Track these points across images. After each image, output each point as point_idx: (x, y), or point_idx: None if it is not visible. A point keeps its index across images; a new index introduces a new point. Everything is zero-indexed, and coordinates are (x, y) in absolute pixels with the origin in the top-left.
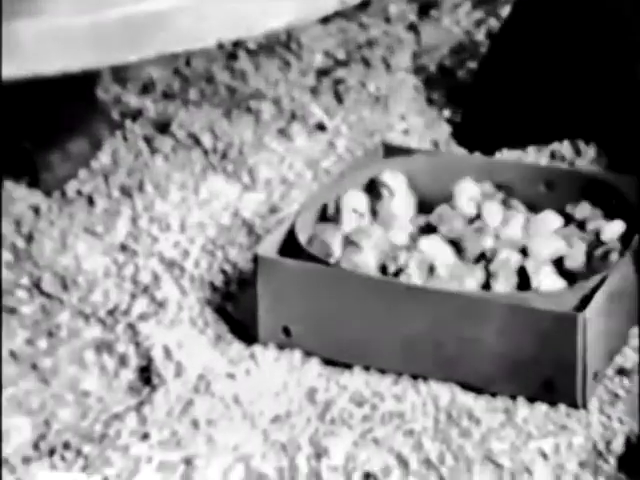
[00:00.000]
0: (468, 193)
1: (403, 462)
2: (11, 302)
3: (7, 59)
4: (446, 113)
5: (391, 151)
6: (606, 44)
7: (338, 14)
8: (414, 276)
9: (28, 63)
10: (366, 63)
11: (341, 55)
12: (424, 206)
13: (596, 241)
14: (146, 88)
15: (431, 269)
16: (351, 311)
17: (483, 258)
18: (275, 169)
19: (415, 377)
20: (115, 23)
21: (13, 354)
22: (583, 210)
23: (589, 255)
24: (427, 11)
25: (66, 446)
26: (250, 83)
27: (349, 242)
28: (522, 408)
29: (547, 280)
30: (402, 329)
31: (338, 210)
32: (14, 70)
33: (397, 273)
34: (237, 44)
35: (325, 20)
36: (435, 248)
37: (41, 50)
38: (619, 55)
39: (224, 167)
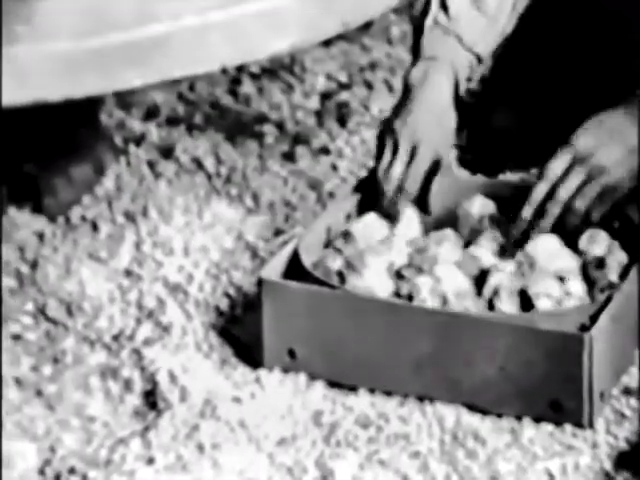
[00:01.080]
0: (476, 211)
1: None
2: (16, 328)
3: (8, 85)
4: None
5: None
6: (610, 65)
7: (340, 36)
8: (427, 302)
9: (30, 89)
10: (368, 85)
11: (343, 78)
12: (428, 226)
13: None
14: (150, 113)
15: (444, 298)
16: (356, 333)
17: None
18: (278, 192)
19: (421, 398)
20: (118, 48)
21: (18, 380)
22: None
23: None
24: None
25: (72, 471)
26: (254, 107)
27: (352, 265)
28: (528, 428)
29: (551, 301)
30: (408, 350)
31: (346, 234)
32: (16, 96)
33: (409, 296)
34: (240, 68)
35: (327, 43)
36: (449, 275)
37: (43, 75)
38: (624, 78)
39: (227, 191)
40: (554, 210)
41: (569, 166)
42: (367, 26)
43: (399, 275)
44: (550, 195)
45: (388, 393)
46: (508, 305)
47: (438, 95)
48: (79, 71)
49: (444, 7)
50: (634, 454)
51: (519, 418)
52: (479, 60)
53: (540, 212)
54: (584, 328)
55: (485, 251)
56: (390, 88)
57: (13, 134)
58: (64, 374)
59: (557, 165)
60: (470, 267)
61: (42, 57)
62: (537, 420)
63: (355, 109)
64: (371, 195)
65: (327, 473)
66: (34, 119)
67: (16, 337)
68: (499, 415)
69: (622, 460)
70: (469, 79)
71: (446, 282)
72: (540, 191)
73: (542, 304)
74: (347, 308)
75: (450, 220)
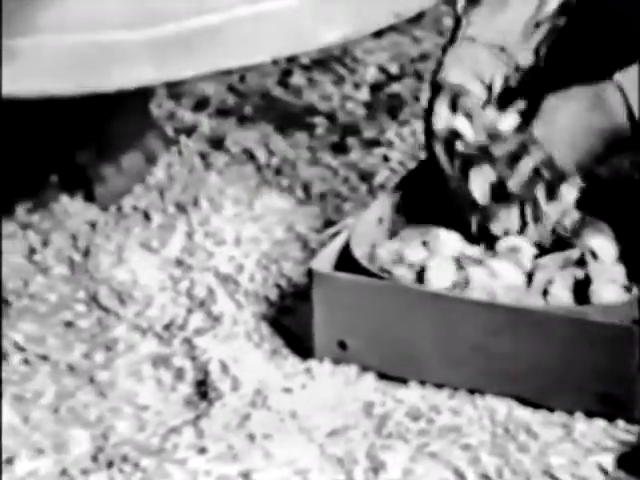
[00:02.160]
0: None
1: (460, 476)
2: (68, 316)
3: (63, 75)
4: None
5: None
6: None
7: (391, 28)
8: (479, 293)
9: (85, 79)
10: (419, 77)
11: (394, 69)
12: None
13: None
14: (200, 104)
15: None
16: (407, 325)
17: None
18: (329, 183)
19: (471, 391)
20: (170, 38)
21: (71, 367)
22: None
23: None
24: None
25: (124, 459)
26: (304, 98)
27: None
28: (580, 423)
29: (606, 292)
30: (458, 343)
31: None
32: (70, 86)
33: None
34: (291, 59)
35: (378, 34)
36: (503, 267)
37: (97, 65)
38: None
39: (278, 182)
40: None
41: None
42: (418, 17)
43: (459, 266)
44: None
45: (438, 385)
46: (561, 297)
47: None
48: (131, 62)
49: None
50: (634, 454)
51: (571, 412)
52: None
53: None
54: (637, 320)
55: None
56: None
57: (65, 124)
58: (116, 362)
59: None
60: (522, 259)
61: (95, 47)
62: (589, 414)
63: (406, 100)
64: (421, 186)
65: (378, 465)
66: (86, 109)
67: (68, 324)
68: (550, 409)
69: (622, 460)
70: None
71: (499, 274)
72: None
73: (605, 294)
74: (397, 300)
75: None
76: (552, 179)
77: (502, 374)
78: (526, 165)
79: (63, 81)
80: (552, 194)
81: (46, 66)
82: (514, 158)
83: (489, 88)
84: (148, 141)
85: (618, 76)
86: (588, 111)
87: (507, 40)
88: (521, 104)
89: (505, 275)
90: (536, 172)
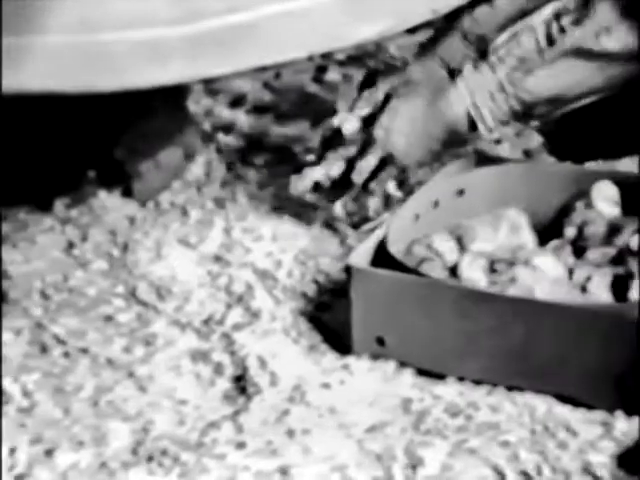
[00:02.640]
0: (605, 195)
1: (499, 473)
2: (107, 310)
3: (101, 71)
4: (536, 122)
5: (483, 160)
6: None
7: (425, 23)
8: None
9: (121, 75)
10: None
11: None
12: None
13: None
14: (237, 101)
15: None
16: (445, 322)
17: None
18: None
19: (510, 388)
20: (206, 35)
21: (110, 361)
22: None
23: None
24: None
25: (164, 453)
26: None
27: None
28: (620, 421)
29: None
30: (497, 340)
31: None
32: (108, 83)
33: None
34: (326, 56)
35: (413, 30)
36: (547, 264)
37: (134, 63)
38: None
39: None
40: None
41: None
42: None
43: (492, 269)
44: None
45: (477, 382)
46: (600, 294)
47: None
48: (169, 58)
49: None
50: (634, 454)
51: (610, 410)
52: None
53: None
54: None
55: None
56: None
57: (103, 120)
58: (155, 356)
59: None
60: (564, 254)
61: (133, 44)
62: (629, 412)
63: None
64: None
65: (416, 461)
66: (124, 105)
67: (108, 318)
68: (590, 407)
69: (622, 460)
70: None
71: (541, 270)
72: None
73: None
74: (436, 296)
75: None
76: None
77: (541, 371)
78: (367, 162)
79: (102, 78)
80: (401, 184)
81: (80, 63)
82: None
83: None
84: (186, 137)
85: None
86: (427, 107)
87: None
88: (365, 109)
89: (547, 271)
90: (380, 167)
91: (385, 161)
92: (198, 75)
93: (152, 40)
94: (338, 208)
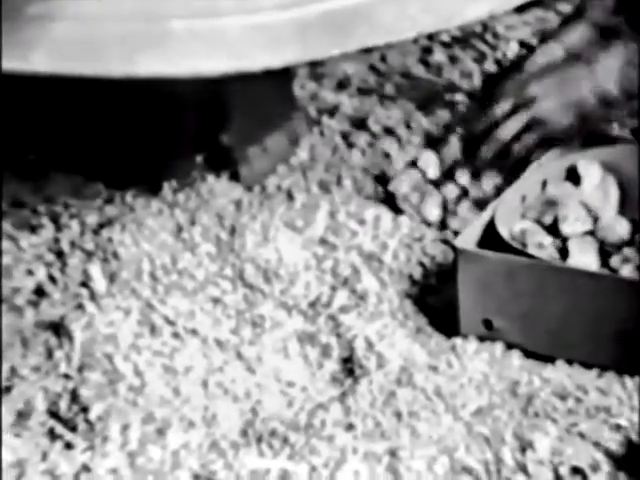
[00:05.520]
0: None
1: (611, 457)
2: (215, 292)
3: (214, 55)
4: None
5: (591, 139)
6: None
7: (534, 3)
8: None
9: (234, 59)
10: None
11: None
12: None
13: None
14: (342, 84)
15: None
16: (553, 303)
17: None
18: None
19: (620, 371)
20: (317, 18)
21: (219, 342)
22: None
23: None
24: None
25: (273, 434)
26: (445, 76)
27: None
28: None
29: None
30: (608, 322)
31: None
32: (221, 66)
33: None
34: (431, 37)
35: (521, 9)
36: None
37: (246, 46)
38: None
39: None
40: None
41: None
42: None
43: (604, 251)
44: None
45: (586, 365)
46: None
47: None
48: (279, 41)
49: None
50: (634, 454)
51: None
52: None
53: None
54: None
55: None
56: None
57: (209, 105)
58: (262, 338)
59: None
60: None
61: (247, 29)
62: None
63: None
64: None
65: (525, 444)
66: (232, 91)
67: (216, 300)
68: None
69: (622, 460)
70: None
71: None
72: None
73: None
74: (544, 277)
75: None
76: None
77: None
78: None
79: (214, 61)
80: None
81: (195, 48)
82: None
83: None
84: (292, 122)
85: None
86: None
87: None
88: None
89: None
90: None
91: (531, 124)
92: (308, 57)
93: (263, 24)
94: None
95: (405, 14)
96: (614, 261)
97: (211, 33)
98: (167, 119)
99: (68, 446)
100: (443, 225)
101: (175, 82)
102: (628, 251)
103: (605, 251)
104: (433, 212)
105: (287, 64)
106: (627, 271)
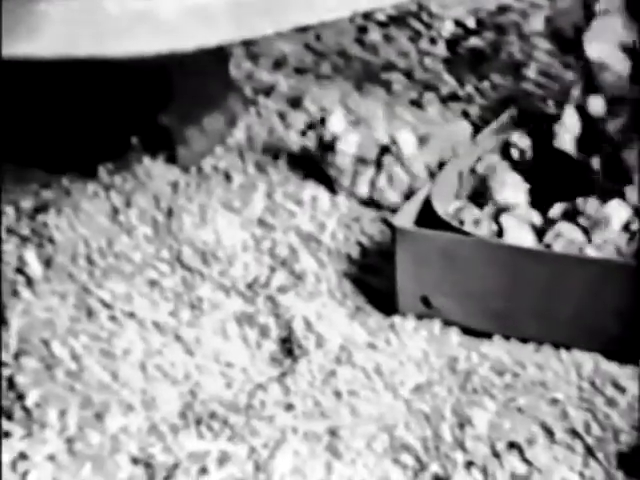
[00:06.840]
0: None
1: (548, 431)
2: (153, 275)
3: (148, 35)
4: None
5: (526, 119)
6: None
7: None
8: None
9: (167, 39)
10: (499, 29)
11: (472, 23)
12: None
13: None
14: (278, 64)
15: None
16: (490, 280)
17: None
18: None
19: (556, 346)
20: None
21: (157, 324)
22: None
23: None
24: None
25: (212, 416)
26: (381, 55)
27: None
28: None
29: None
30: (543, 298)
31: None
32: (153, 46)
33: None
34: (367, 16)
35: None
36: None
37: (181, 26)
38: None
39: None
40: None
41: None
42: None
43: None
44: None
45: (523, 340)
46: None
47: None
48: (213, 21)
49: None
50: (634, 454)
51: None
52: None
53: None
54: None
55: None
56: (521, 32)
57: (147, 86)
58: (201, 320)
59: None
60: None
61: (181, 8)
62: None
63: (484, 53)
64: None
65: (464, 420)
66: (167, 72)
67: (153, 283)
68: (638, 363)
69: (622, 460)
70: None
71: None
72: None
73: None
74: (481, 255)
75: None
76: None
77: (588, 328)
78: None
79: (148, 42)
80: None
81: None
82: None
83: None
84: (228, 102)
85: None
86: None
87: None
88: None
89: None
90: None
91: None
92: (242, 36)
93: (196, 4)
94: None
95: None
96: (548, 237)
97: (145, 13)
98: (102, 101)
99: (6, 435)
100: (376, 204)
101: (110, 63)
102: (561, 226)
103: (539, 228)
104: (364, 189)
105: (221, 43)
106: (560, 246)
